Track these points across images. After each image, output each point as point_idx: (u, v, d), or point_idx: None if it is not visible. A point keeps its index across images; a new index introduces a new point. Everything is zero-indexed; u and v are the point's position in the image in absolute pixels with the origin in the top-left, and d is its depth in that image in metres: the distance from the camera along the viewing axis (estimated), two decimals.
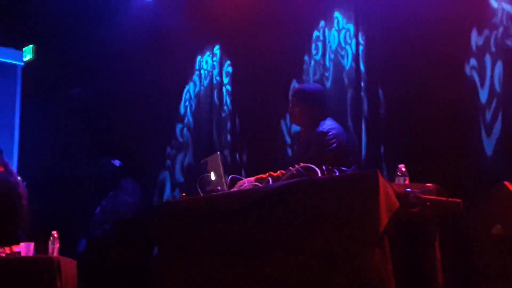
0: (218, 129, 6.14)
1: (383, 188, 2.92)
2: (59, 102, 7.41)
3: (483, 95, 4.21)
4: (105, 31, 6.72)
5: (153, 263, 5.45)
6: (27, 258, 4.62)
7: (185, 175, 6.40)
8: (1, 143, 6.07)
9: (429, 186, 3.17)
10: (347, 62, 5.06)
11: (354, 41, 5.01)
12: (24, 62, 7.96)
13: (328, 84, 5.16)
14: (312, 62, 5.35)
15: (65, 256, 4.74)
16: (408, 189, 3.08)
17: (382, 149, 4.74)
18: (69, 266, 4.71)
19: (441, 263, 3.06)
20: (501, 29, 4.15)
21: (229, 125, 6.05)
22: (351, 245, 2.98)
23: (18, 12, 7.13)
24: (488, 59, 4.21)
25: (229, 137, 6.04)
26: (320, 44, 5.31)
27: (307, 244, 3.14)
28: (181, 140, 6.55)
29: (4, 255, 4.70)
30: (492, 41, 4.20)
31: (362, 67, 4.94)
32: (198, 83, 6.45)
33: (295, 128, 5.12)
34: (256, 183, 3.70)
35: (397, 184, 3.20)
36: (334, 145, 3.98)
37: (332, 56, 5.18)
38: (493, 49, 4.19)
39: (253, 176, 3.86)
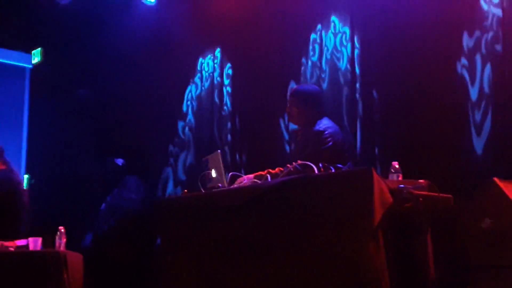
0: (219, 128, 6.18)
1: (377, 184, 2.95)
2: (66, 103, 7.42)
3: (474, 93, 4.26)
4: (110, 35, 6.75)
5: (156, 257, 5.54)
6: (35, 252, 4.67)
7: (187, 174, 6.43)
8: (10, 143, 6.13)
9: (421, 182, 3.19)
10: (343, 64, 5.10)
11: (349, 44, 5.06)
12: (33, 64, 7.98)
13: (325, 85, 5.20)
14: (309, 64, 5.39)
15: (71, 250, 4.79)
16: (401, 185, 3.11)
17: (376, 147, 4.78)
18: (76, 260, 4.76)
19: (432, 255, 3.12)
20: (490, 33, 4.21)
21: (229, 124, 6.09)
22: (346, 238, 3.02)
23: (27, 16, 7.15)
24: (478, 60, 4.28)
25: (229, 136, 6.08)
26: (317, 46, 5.35)
27: (303, 238, 3.19)
28: (183, 137, 6.58)
29: (13, 249, 4.75)
30: (482, 43, 4.25)
31: (357, 69, 4.99)
32: (199, 84, 6.48)
33: (293, 126, 5.15)
34: (255, 180, 3.71)
35: (390, 181, 3.22)
36: (330, 143, 4.01)
37: (329, 58, 5.22)
38: (483, 51, 4.25)
39: (252, 173, 3.86)
